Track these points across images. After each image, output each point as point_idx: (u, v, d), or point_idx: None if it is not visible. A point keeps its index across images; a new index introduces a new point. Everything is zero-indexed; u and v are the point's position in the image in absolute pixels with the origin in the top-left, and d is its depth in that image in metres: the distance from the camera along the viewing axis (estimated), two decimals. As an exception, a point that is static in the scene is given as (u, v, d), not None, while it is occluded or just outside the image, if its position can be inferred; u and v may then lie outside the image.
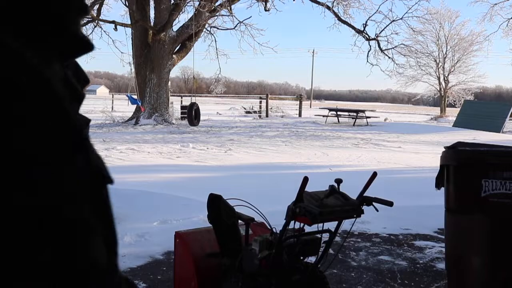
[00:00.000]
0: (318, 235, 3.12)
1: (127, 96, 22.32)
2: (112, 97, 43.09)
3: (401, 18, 23.94)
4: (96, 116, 24.84)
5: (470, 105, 28.76)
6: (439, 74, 46.52)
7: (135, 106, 22.95)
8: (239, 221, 3.25)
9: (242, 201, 3.17)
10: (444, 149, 3.43)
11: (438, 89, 46.66)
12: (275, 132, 19.79)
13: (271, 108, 32.21)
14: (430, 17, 36.55)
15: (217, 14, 23.14)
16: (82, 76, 0.65)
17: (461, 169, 3.05)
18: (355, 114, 26.04)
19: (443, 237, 3.05)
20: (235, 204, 3.22)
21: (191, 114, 18.89)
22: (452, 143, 3.54)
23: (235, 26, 23.95)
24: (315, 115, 30.12)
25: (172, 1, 22.76)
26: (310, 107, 53.58)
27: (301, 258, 3.14)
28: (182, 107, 25.60)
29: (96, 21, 24.77)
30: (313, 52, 77.03)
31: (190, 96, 24.64)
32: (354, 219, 2.98)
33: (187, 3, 22.26)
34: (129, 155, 12.39)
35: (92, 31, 25.44)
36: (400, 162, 12.34)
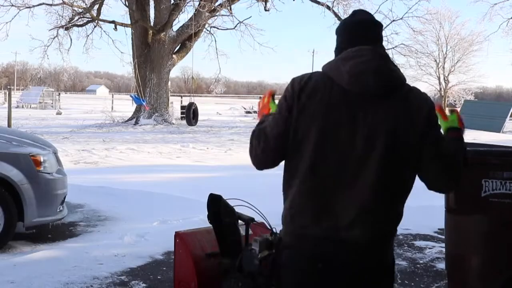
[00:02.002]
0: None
1: (131, 96, 22.38)
2: (112, 97, 43.09)
3: (401, 18, 23.99)
4: (96, 116, 24.83)
5: (470, 105, 28.82)
6: (439, 74, 46.55)
7: (135, 106, 22.97)
8: (239, 221, 3.25)
9: (242, 201, 3.16)
10: (444, 149, 3.43)
11: (438, 89, 46.68)
12: (275, 132, 19.77)
13: (271, 108, 32.16)
14: (430, 17, 36.55)
15: (217, 14, 23.16)
16: None
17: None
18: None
19: (443, 237, 3.05)
20: (235, 204, 3.21)
21: (189, 114, 18.92)
22: (452, 143, 3.53)
23: (235, 26, 23.98)
24: (315, 115, 30.08)
25: (172, 1, 22.76)
26: (310, 107, 53.47)
27: (301, 258, 3.14)
28: (182, 107, 25.61)
29: (96, 21, 24.77)
30: (313, 52, 77.04)
31: (190, 96, 24.66)
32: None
33: (187, 3, 22.29)
34: (129, 155, 12.39)
35: (92, 31, 25.48)
36: (400, 162, 12.30)
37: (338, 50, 1.97)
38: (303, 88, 1.87)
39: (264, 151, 1.96)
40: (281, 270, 2.00)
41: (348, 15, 2.08)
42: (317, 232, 1.84)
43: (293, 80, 1.91)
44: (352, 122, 1.81)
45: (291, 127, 1.87)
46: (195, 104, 19.38)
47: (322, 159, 1.83)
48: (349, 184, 1.82)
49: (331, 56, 1.98)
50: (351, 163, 1.82)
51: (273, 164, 2.02)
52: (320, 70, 1.95)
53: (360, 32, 1.94)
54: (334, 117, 1.82)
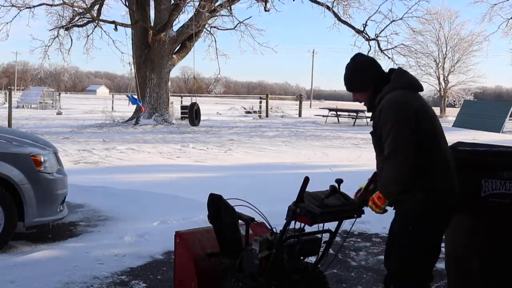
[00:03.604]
0: (318, 235, 3.12)
1: (127, 96, 22.31)
2: (112, 97, 43.08)
3: (401, 18, 23.92)
4: (96, 116, 24.82)
5: (470, 105, 28.77)
6: (439, 74, 46.51)
7: (135, 106, 22.95)
8: (239, 221, 3.25)
9: (242, 201, 3.17)
10: (444, 149, 3.43)
11: (438, 89, 46.65)
12: (275, 132, 19.79)
13: (271, 108, 32.20)
14: (430, 17, 36.55)
15: (217, 14, 23.13)
16: None
17: (461, 169, 3.04)
18: (355, 114, 26.02)
19: (443, 237, 3.05)
20: (235, 204, 3.22)
21: (192, 114, 18.87)
22: (452, 143, 3.54)
23: (235, 26, 23.93)
24: (315, 115, 30.12)
25: (172, 1, 22.74)
26: (310, 107, 53.58)
27: (301, 258, 3.14)
28: (182, 107, 25.56)
29: (96, 21, 24.75)
30: (313, 52, 77.16)
31: (190, 96, 24.63)
32: (354, 219, 2.99)
33: (187, 3, 22.25)
34: (129, 155, 12.39)
35: (92, 31, 25.45)
36: (400, 162, 12.28)
37: (379, 77, 2.99)
38: (408, 107, 2.79)
39: (405, 172, 2.76)
40: (428, 224, 2.79)
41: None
42: (450, 195, 2.83)
43: (398, 107, 2.79)
44: (433, 114, 2.94)
45: (418, 138, 2.73)
46: (197, 104, 19.32)
47: (440, 148, 2.85)
48: (450, 161, 2.89)
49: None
50: (447, 147, 2.93)
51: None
52: (394, 90, 2.88)
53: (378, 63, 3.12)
54: (432, 115, 2.92)
